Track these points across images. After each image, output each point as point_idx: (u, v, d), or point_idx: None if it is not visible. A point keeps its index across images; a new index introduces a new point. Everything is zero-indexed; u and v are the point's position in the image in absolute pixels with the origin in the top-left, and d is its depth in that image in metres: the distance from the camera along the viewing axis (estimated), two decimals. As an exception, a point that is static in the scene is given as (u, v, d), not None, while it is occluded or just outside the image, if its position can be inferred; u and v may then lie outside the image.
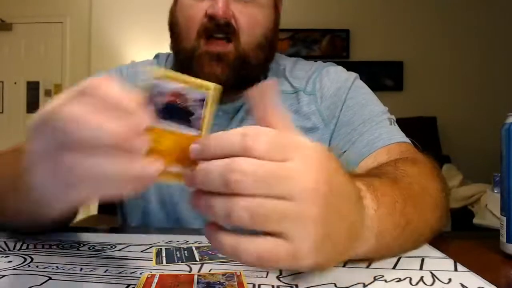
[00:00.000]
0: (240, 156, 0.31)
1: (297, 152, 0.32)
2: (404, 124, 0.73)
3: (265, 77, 0.76)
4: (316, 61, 0.81)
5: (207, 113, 0.34)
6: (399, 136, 0.69)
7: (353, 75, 0.77)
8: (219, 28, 0.66)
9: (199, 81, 0.34)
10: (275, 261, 0.31)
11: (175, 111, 0.34)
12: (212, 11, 0.66)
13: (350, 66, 0.80)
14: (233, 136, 0.32)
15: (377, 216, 0.40)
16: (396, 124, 0.71)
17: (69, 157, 0.30)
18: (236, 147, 0.31)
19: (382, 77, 3.82)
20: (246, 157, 0.31)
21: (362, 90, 0.75)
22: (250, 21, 0.68)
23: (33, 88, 4.08)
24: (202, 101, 0.34)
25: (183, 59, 0.70)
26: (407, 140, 0.69)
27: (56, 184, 0.32)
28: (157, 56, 0.83)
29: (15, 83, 4.08)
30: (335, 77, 0.75)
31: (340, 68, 0.79)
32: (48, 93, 4.06)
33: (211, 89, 0.34)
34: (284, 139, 0.32)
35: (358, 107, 0.72)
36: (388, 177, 0.49)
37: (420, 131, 3.08)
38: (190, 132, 0.34)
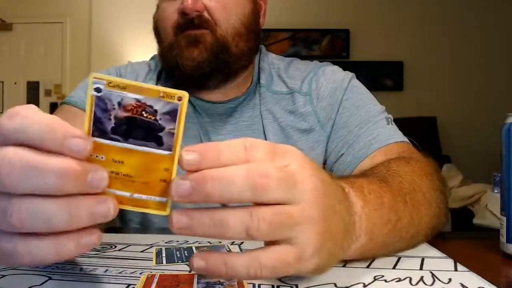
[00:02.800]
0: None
1: (289, 156, 0.32)
2: (404, 124, 0.72)
3: (258, 76, 0.76)
4: (311, 61, 0.80)
5: (180, 127, 0.29)
6: (397, 136, 0.68)
7: (349, 75, 0.76)
8: (192, 22, 0.68)
9: (167, 89, 0.29)
10: (286, 267, 0.31)
11: (139, 127, 0.29)
12: (182, 6, 0.67)
13: (350, 66, 0.80)
14: (237, 148, 0.30)
15: (365, 213, 0.40)
16: (393, 123, 0.70)
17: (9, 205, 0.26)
18: (241, 158, 0.30)
19: (382, 77, 3.82)
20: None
21: (359, 90, 0.74)
22: (224, 11, 0.69)
23: (33, 88, 4.09)
24: (173, 113, 0.29)
25: (164, 55, 0.71)
26: (405, 139, 0.68)
27: None
28: (154, 57, 0.83)
29: (15, 83, 4.08)
30: (331, 77, 0.75)
31: (336, 67, 0.78)
32: (48, 93, 4.07)
33: (184, 98, 0.29)
34: (274, 146, 0.32)
35: (354, 108, 0.71)
36: (377, 176, 0.49)
37: (420, 131, 3.08)
38: (160, 151, 0.29)
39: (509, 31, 3.80)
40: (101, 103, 0.28)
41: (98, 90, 0.28)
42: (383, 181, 0.47)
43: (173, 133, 0.29)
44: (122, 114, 0.28)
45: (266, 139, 0.71)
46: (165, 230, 0.60)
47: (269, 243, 0.31)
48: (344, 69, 0.78)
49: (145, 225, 0.75)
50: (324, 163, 0.73)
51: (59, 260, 0.28)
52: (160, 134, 0.29)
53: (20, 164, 0.26)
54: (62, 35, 4.05)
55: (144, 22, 3.69)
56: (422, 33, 3.84)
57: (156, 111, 0.29)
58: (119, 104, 0.28)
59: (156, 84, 0.77)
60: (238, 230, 0.29)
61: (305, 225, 0.31)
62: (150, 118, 0.29)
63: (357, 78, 0.78)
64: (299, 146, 0.70)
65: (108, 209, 0.28)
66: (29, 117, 0.27)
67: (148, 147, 0.29)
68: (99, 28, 3.97)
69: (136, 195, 0.30)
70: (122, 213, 0.79)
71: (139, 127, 0.29)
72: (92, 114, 0.28)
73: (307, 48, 3.89)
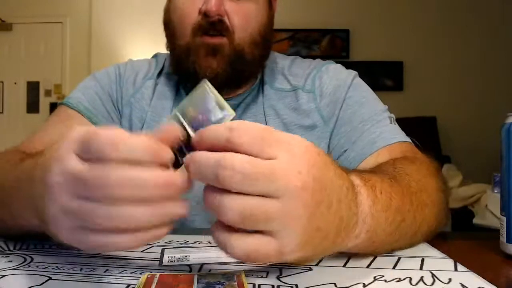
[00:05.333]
0: (228, 151, 0.31)
1: (282, 148, 0.32)
2: (404, 124, 0.72)
3: (262, 74, 0.77)
4: (314, 59, 0.81)
5: None
6: (400, 135, 0.68)
7: (352, 73, 0.77)
8: (213, 25, 0.67)
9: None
10: (264, 258, 0.33)
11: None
12: (206, 7, 0.66)
13: (350, 66, 0.80)
14: (220, 130, 0.33)
15: (371, 213, 0.40)
16: (396, 123, 0.71)
17: (106, 210, 0.31)
18: (222, 141, 0.32)
19: (382, 77, 3.82)
20: (233, 151, 0.31)
21: (362, 88, 0.75)
22: (243, 18, 0.69)
23: (33, 88, 4.09)
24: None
25: (178, 55, 0.71)
26: (408, 139, 0.69)
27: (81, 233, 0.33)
28: (155, 56, 0.83)
29: (15, 83, 4.08)
30: (335, 75, 0.75)
31: (339, 65, 0.78)
32: (48, 93, 4.07)
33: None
34: (269, 135, 0.33)
35: (357, 105, 0.72)
36: (387, 175, 0.49)
37: (420, 131, 3.08)
38: None
39: (509, 31, 3.80)
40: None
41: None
42: (394, 180, 0.47)
43: None
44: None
45: None
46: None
47: (254, 231, 0.32)
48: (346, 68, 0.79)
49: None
50: None
51: (137, 247, 0.37)
52: None
53: (123, 179, 0.31)
54: (62, 35, 4.05)
55: (144, 22, 3.67)
56: (422, 33, 3.84)
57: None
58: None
59: (156, 84, 0.77)
60: (213, 210, 0.32)
61: (286, 221, 0.32)
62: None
63: (358, 78, 0.78)
64: None
65: (183, 209, 0.33)
66: (125, 139, 0.32)
67: None
68: (99, 28, 3.97)
69: None
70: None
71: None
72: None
73: (307, 48, 3.89)
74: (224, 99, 0.71)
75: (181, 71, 0.72)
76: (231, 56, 0.68)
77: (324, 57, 3.67)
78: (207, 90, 0.37)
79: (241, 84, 0.74)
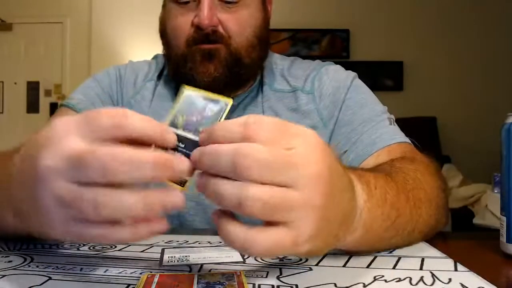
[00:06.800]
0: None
1: (298, 139, 0.32)
2: (404, 124, 0.73)
3: (261, 75, 0.77)
4: (314, 60, 0.81)
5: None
6: (400, 136, 0.69)
7: (352, 74, 0.77)
8: (207, 37, 0.67)
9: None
10: (282, 250, 0.32)
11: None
12: (198, 21, 0.66)
13: (350, 66, 0.81)
14: (235, 125, 0.32)
15: (367, 207, 0.40)
16: (395, 123, 0.71)
17: (101, 194, 0.30)
18: (238, 136, 0.31)
19: (382, 77, 3.82)
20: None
21: (361, 89, 0.75)
22: (237, 25, 0.68)
23: (33, 88, 4.09)
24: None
25: (175, 63, 0.71)
26: (407, 140, 0.69)
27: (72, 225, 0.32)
28: (156, 57, 0.83)
29: (15, 83, 4.08)
30: (334, 76, 0.75)
31: (338, 67, 0.79)
32: (48, 93, 4.07)
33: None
34: (285, 126, 0.32)
35: (357, 106, 0.72)
36: (382, 172, 0.49)
37: (420, 131, 3.08)
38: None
39: (509, 31, 3.80)
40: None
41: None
42: (389, 176, 0.48)
43: None
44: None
45: None
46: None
47: (267, 222, 0.31)
48: (345, 69, 0.79)
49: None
50: None
51: (134, 241, 0.37)
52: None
53: (123, 158, 0.30)
54: (62, 35, 4.05)
55: (144, 22, 3.66)
56: (422, 33, 3.84)
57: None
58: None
59: (156, 86, 0.77)
60: (232, 203, 0.31)
61: (305, 211, 0.31)
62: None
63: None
64: None
65: (178, 199, 0.32)
66: (128, 115, 0.32)
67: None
68: (99, 28, 3.97)
69: None
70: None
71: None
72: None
73: (307, 48, 3.89)
74: None
75: (179, 77, 0.72)
76: (228, 60, 0.68)
77: (324, 57, 3.66)
78: (190, 93, 0.36)
79: (239, 87, 0.74)
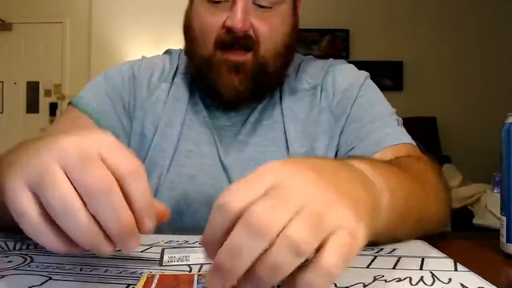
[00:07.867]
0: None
1: (279, 175, 0.30)
2: (404, 124, 0.73)
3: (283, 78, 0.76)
4: (328, 59, 0.81)
5: None
6: (406, 138, 0.70)
7: (364, 73, 0.78)
8: (237, 40, 0.65)
9: None
10: (348, 250, 0.29)
11: None
12: (231, 24, 0.64)
13: (350, 66, 0.81)
14: (218, 219, 0.29)
15: (388, 187, 0.41)
16: (403, 126, 0.72)
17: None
18: (227, 222, 0.29)
19: (381, 77, 3.82)
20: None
21: (373, 88, 0.76)
22: (269, 30, 0.66)
23: (33, 88, 4.09)
24: None
25: (199, 65, 0.69)
26: (413, 142, 0.70)
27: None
28: (169, 52, 0.81)
29: (15, 83, 4.09)
30: (348, 74, 0.76)
31: (352, 66, 0.80)
32: (48, 93, 4.07)
33: None
34: (258, 175, 0.30)
35: (368, 104, 0.73)
36: (386, 163, 0.50)
37: (420, 131, 3.07)
38: None
39: (509, 31, 3.80)
40: None
41: None
42: (396, 166, 0.50)
43: None
44: None
45: (286, 138, 0.71)
46: (165, 230, 0.60)
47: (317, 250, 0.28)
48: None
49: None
50: (335, 155, 0.74)
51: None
52: None
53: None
54: (62, 35, 4.05)
55: (144, 22, 3.67)
56: (422, 33, 3.84)
57: None
58: None
59: (170, 87, 0.75)
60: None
61: (334, 210, 0.29)
62: None
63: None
64: (318, 142, 0.71)
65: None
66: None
67: None
68: (99, 28, 3.97)
69: None
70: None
71: None
72: None
73: (307, 48, 3.89)
74: (241, 110, 0.71)
75: (200, 81, 0.71)
76: (254, 70, 0.66)
77: (324, 57, 3.67)
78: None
79: (264, 96, 0.72)
